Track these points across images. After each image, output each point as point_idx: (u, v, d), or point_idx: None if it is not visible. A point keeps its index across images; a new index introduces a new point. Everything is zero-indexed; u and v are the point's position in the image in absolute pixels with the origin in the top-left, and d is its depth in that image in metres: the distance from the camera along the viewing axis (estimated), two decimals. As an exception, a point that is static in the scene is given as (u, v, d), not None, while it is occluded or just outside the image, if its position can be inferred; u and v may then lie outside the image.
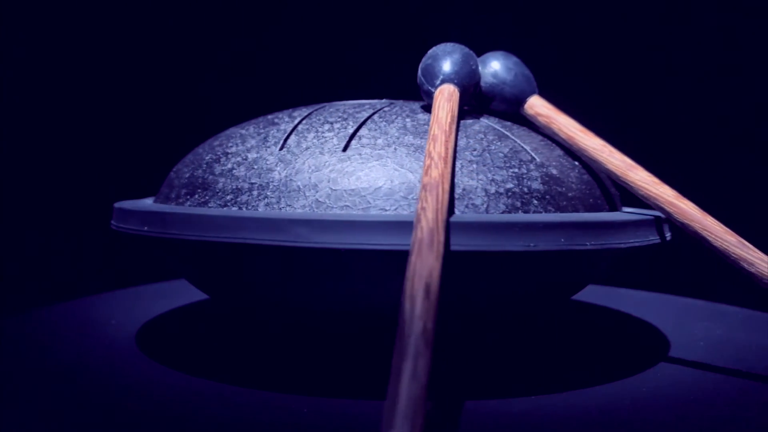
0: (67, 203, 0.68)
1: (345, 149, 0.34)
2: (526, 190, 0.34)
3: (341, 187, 0.33)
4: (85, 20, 0.70)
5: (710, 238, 0.34)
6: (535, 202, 0.34)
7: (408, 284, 0.25)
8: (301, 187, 0.33)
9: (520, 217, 0.32)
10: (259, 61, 0.73)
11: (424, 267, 0.26)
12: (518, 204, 0.34)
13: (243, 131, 0.38)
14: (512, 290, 0.35)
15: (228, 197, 0.34)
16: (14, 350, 0.40)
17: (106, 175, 0.61)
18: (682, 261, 0.63)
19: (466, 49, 0.38)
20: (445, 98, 0.35)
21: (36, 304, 0.49)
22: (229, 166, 0.36)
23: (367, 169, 0.33)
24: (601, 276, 0.41)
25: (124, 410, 0.31)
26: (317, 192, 0.33)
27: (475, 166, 0.34)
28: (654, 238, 0.35)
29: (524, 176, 0.34)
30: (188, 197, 0.36)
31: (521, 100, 0.39)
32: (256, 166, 0.35)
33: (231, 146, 0.37)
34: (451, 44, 0.38)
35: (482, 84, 0.39)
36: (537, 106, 0.39)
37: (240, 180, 0.35)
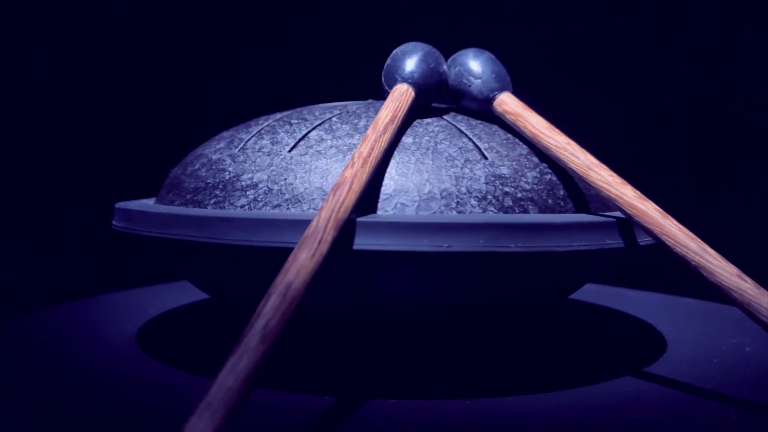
0: (67, 203, 0.67)
1: (291, 150, 0.35)
2: (464, 190, 0.33)
3: (277, 187, 0.34)
4: (88, 20, 0.70)
5: (669, 243, 0.31)
6: (473, 202, 0.33)
7: (275, 279, 0.26)
8: (243, 186, 0.34)
9: (431, 217, 0.31)
10: (262, 62, 0.73)
11: (294, 265, 0.26)
12: (453, 204, 0.33)
13: (225, 133, 0.40)
14: (495, 290, 0.34)
15: (188, 196, 0.36)
16: (15, 351, 0.41)
17: (107, 176, 0.59)
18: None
19: (428, 48, 0.38)
20: (393, 98, 0.35)
21: (35, 306, 0.49)
22: (197, 166, 0.38)
23: (302, 170, 0.34)
24: (589, 277, 0.40)
25: (126, 409, 0.32)
26: (257, 191, 0.34)
27: (413, 165, 0.34)
28: (607, 243, 0.33)
29: (465, 176, 0.33)
30: (184, 197, 0.37)
31: (489, 98, 0.38)
32: (214, 167, 0.36)
33: (207, 148, 0.39)
34: (413, 43, 0.38)
35: (451, 82, 0.38)
36: (506, 103, 0.37)
37: (200, 180, 0.36)
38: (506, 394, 0.34)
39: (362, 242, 0.29)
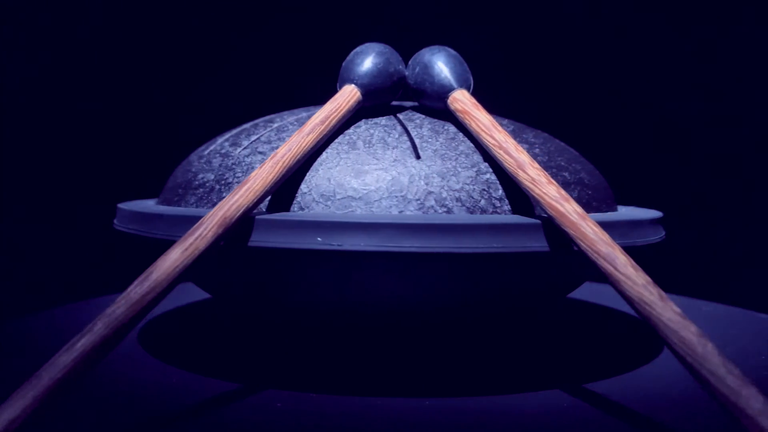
0: (69, 204, 0.66)
1: (241, 151, 0.37)
2: (383, 189, 0.33)
3: (218, 186, 0.36)
4: (92, 21, 0.70)
5: (583, 247, 0.29)
6: (391, 201, 0.33)
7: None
8: (199, 184, 0.37)
9: (322, 215, 0.31)
10: (266, 63, 0.72)
11: (162, 260, 0.28)
12: (371, 203, 0.33)
13: (219, 137, 0.43)
14: (491, 289, 0.34)
15: (167, 195, 0.40)
16: (18, 351, 0.41)
17: (109, 176, 0.58)
18: (681, 259, 0.63)
19: (380, 48, 0.37)
20: (333, 99, 0.36)
21: (37, 307, 0.49)
22: (183, 168, 0.41)
23: (241, 170, 0.36)
24: (573, 278, 0.39)
25: (128, 408, 0.32)
26: (204, 189, 0.36)
27: (339, 165, 0.34)
28: (510, 246, 0.31)
29: (389, 176, 0.33)
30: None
31: (443, 96, 0.37)
32: (187, 168, 0.39)
33: (200, 150, 0.42)
34: (366, 44, 0.38)
35: (411, 81, 0.38)
36: (457, 101, 0.36)
37: (177, 179, 0.40)
38: (500, 392, 0.33)
39: (256, 239, 0.31)
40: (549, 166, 0.36)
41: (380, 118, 0.37)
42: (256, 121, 0.41)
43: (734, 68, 0.70)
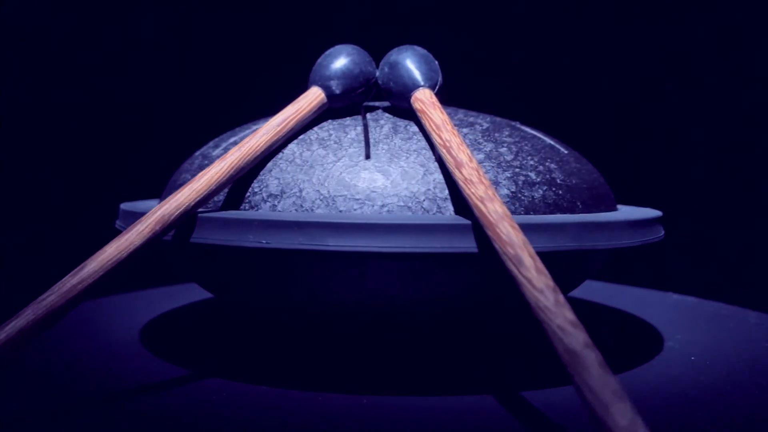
0: (72, 205, 0.65)
1: (218, 151, 0.39)
2: (324, 189, 0.33)
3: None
4: (97, 22, 0.70)
5: (497, 246, 0.28)
6: (324, 201, 0.33)
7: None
8: (180, 184, 0.39)
9: (251, 214, 0.32)
10: (266, 63, 0.71)
11: (102, 252, 0.30)
12: (305, 203, 0.33)
13: (215, 139, 0.45)
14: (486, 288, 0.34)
15: (166, 195, 0.42)
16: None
17: (112, 176, 0.56)
18: (682, 257, 0.65)
19: (346, 50, 0.38)
20: (295, 102, 0.37)
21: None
22: (179, 169, 0.43)
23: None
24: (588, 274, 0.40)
25: (131, 406, 0.32)
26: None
27: (288, 165, 0.35)
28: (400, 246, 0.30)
29: (331, 176, 0.34)
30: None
31: (406, 95, 0.37)
32: (181, 169, 0.42)
33: (202, 149, 0.45)
34: (336, 47, 0.38)
35: (380, 81, 0.38)
36: (418, 100, 0.36)
37: (172, 179, 0.42)
38: (497, 391, 0.34)
39: (197, 236, 0.32)
40: (511, 166, 0.35)
41: (347, 118, 0.38)
42: (248, 123, 0.43)
43: (736, 64, 0.70)
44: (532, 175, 0.36)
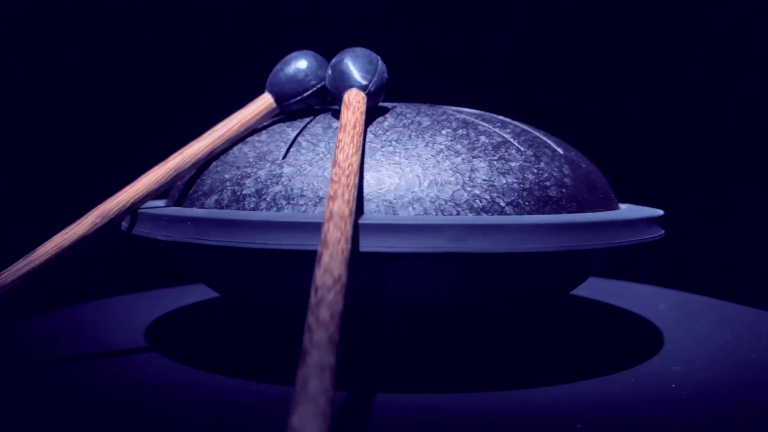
0: (75, 205, 0.67)
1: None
2: (239, 186, 0.36)
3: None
4: (103, 23, 0.70)
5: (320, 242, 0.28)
6: (233, 196, 0.36)
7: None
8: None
9: (185, 211, 0.36)
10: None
11: (50, 240, 0.36)
12: (225, 200, 0.36)
13: None
14: (501, 287, 0.36)
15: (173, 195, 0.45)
16: (26, 349, 0.42)
17: (117, 177, 0.50)
18: (682, 255, 0.65)
19: (296, 55, 0.40)
20: (245, 107, 0.40)
21: (42, 308, 0.50)
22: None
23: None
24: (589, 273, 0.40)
25: (134, 404, 0.33)
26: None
27: (221, 165, 0.38)
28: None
29: (249, 174, 0.37)
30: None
31: (338, 97, 0.37)
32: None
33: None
34: (293, 52, 0.40)
35: (327, 85, 0.39)
36: (344, 102, 0.37)
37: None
38: (500, 389, 0.35)
39: (138, 230, 0.37)
40: (510, 164, 0.36)
41: (293, 121, 0.40)
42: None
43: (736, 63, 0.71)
44: (531, 175, 0.36)
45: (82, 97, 0.69)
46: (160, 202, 0.41)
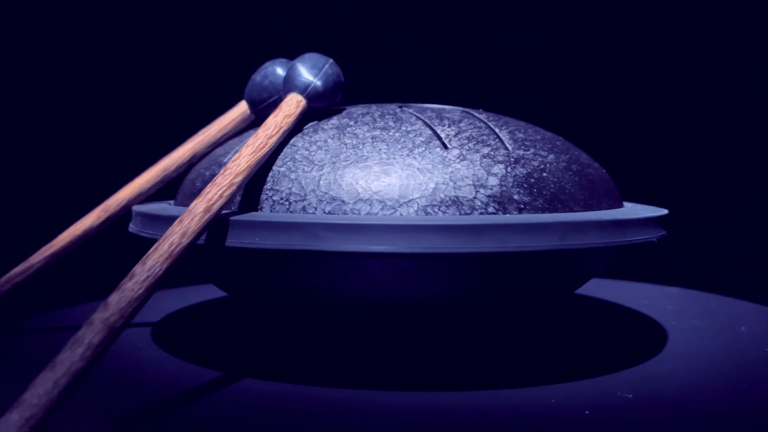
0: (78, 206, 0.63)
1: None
2: (198, 185, 0.40)
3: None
4: (107, 23, 0.70)
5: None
6: (194, 191, 0.40)
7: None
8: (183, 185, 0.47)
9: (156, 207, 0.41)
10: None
11: (70, 228, 0.44)
12: (186, 199, 0.40)
13: None
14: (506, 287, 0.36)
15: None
16: (29, 349, 0.42)
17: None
18: (683, 253, 0.65)
19: (268, 63, 0.42)
20: (225, 114, 0.44)
21: (45, 308, 0.51)
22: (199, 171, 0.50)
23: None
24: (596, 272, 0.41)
25: (142, 403, 0.33)
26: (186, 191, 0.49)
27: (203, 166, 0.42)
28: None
29: (202, 176, 0.40)
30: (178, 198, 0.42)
31: (282, 100, 0.39)
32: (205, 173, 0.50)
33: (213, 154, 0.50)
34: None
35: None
36: (279, 105, 0.39)
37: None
38: (502, 387, 0.35)
39: (133, 227, 0.41)
40: (512, 163, 0.37)
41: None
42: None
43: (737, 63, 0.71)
44: (535, 172, 0.36)
45: (81, 103, 0.71)
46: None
